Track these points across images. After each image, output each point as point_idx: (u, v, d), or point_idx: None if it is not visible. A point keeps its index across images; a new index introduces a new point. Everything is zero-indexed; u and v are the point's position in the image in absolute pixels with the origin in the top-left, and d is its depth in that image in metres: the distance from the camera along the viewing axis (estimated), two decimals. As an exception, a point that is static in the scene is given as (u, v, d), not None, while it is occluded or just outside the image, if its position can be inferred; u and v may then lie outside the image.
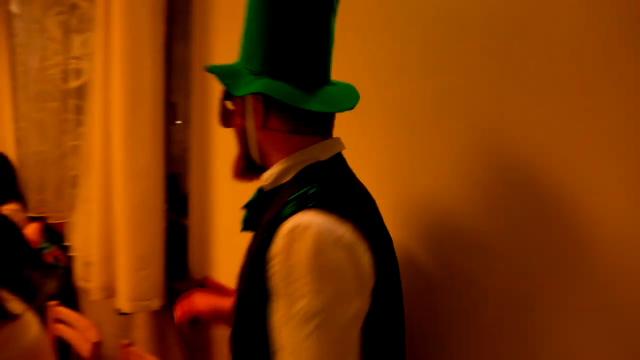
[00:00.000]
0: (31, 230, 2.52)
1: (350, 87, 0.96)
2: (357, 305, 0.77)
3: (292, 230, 0.75)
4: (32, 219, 2.69)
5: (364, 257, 0.79)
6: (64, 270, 2.68)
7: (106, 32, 1.73)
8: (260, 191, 0.94)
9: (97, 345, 1.56)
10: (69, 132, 2.35)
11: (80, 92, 2.23)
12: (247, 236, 0.94)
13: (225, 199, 1.73)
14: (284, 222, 0.77)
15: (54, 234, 2.65)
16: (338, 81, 0.94)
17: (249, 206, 0.96)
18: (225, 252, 1.76)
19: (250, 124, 0.90)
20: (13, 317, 1.23)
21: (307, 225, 0.75)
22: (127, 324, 2.25)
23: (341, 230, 0.77)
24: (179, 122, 2.03)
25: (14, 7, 2.98)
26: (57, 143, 2.57)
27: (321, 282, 0.73)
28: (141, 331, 2.15)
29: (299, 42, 0.86)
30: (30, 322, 1.32)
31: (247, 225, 0.97)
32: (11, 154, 3.07)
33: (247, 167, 0.96)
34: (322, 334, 0.72)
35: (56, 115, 2.56)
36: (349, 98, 0.92)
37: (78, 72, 2.19)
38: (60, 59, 2.45)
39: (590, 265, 0.88)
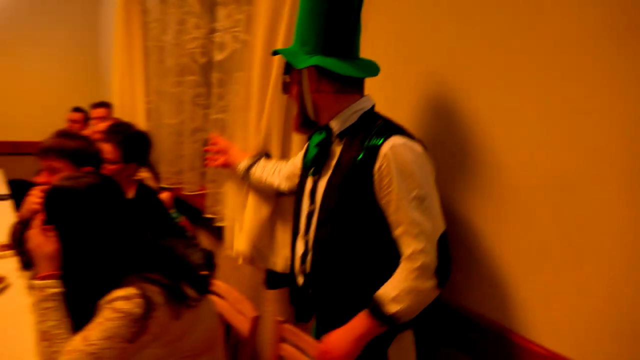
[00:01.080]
0: (163, 200, 2.60)
1: (372, 61, 1.32)
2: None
3: (393, 148, 1.15)
4: (163, 189, 2.78)
5: (432, 164, 1.22)
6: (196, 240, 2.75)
7: (270, 5, 1.69)
8: (328, 134, 1.27)
9: (256, 320, 1.54)
10: (209, 106, 2.37)
11: (222, 66, 2.22)
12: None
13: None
14: (381, 146, 1.16)
15: (182, 205, 2.73)
16: (362, 57, 1.31)
17: (321, 145, 1.28)
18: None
19: (307, 89, 1.27)
20: (196, 301, 1.24)
21: (400, 144, 1.16)
22: (256, 297, 2.26)
23: (418, 146, 1.19)
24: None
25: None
26: (191, 116, 2.61)
27: (422, 177, 1.16)
28: (272, 305, 2.16)
29: (342, 29, 1.23)
30: (209, 305, 1.33)
31: (314, 162, 1.29)
32: (142, 126, 3.19)
33: (303, 123, 1.33)
34: (431, 207, 1.16)
35: (191, 88, 2.59)
36: (374, 68, 1.30)
37: (222, 45, 2.18)
38: (199, 33, 2.46)
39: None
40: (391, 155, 1.14)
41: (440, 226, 1.16)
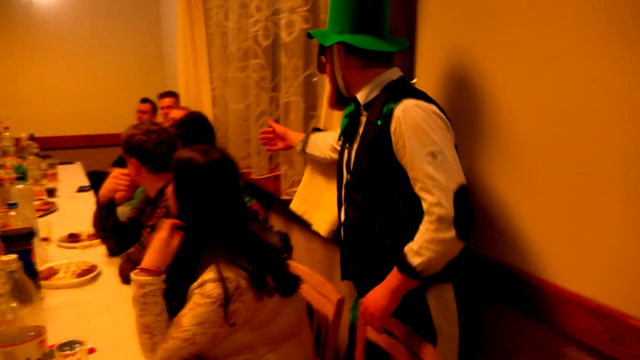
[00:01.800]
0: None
1: (400, 38, 1.42)
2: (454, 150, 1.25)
3: (404, 110, 1.22)
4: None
5: (448, 123, 1.27)
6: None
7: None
8: (356, 106, 1.37)
9: (340, 303, 1.52)
10: (273, 89, 2.34)
11: (288, 47, 2.18)
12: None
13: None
14: (394, 109, 1.23)
15: (253, 189, 2.75)
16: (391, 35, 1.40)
17: (350, 116, 1.39)
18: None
19: (337, 66, 1.38)
20: (275, 291, 1.23)
21: (412, 105, 1.23)
22: (329, 279, 2.25)
23: (432, 105, 1.25)
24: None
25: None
26: (256, 100, 2.60)
27: (434, 134, 1.20)
28: (345, 287, 2.13)
29: (369, 8, 1.31)
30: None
31: (346, 133, 1.41)
32: (208, 112, 3.25)
33: (337, 99, 1.43)
34: (445, 161, 1.19)
35: (255, 72, 2.58)
36: (402, 42, 1.40)
37: (289, 26, 2.13)
38: (261, 15, 2.44)
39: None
40: (402, 116, 1.21)
41: (457, 179, 1.18)
